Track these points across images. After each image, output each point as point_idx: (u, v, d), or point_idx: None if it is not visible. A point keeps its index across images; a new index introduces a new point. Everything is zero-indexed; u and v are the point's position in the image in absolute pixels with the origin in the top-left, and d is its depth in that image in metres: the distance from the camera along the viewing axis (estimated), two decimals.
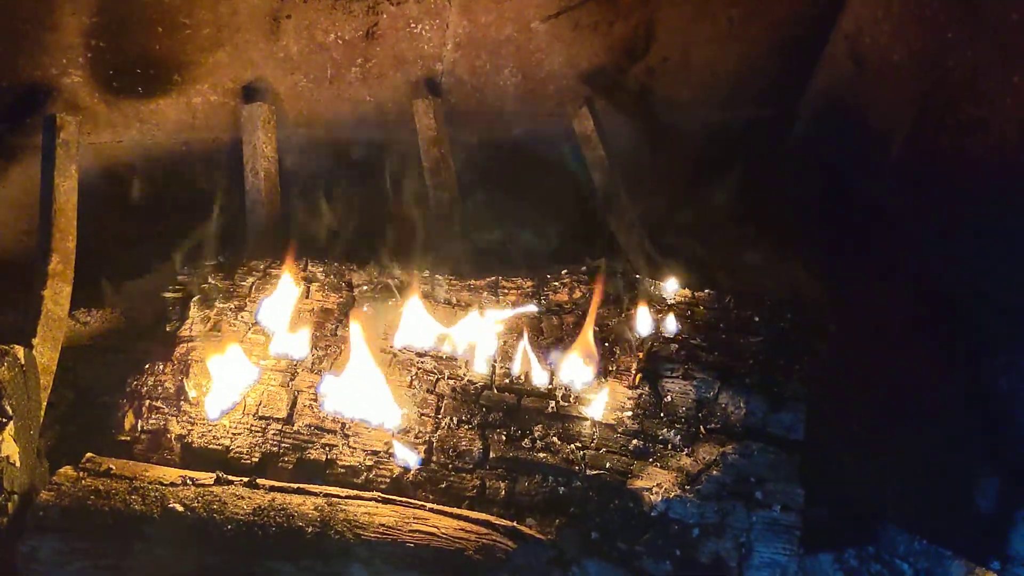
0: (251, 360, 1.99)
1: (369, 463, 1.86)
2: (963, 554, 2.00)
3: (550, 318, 2.11)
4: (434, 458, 1.87)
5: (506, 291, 2.16)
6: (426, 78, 2.55)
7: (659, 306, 2.13)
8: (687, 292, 2.19)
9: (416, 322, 2.05)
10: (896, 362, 2.48)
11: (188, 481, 1.72)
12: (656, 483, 1.83)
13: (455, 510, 1.74)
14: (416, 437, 1.90)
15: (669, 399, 1.96)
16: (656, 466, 1.86)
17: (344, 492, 1.73)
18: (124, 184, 2.52)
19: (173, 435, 1.89)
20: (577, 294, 2.15)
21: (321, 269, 2.18)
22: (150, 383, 1.96)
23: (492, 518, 1.73)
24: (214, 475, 1.73)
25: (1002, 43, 2.16)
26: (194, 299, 2.08)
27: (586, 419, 1.92)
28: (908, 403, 2.40)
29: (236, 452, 1.87)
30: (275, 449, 1.88)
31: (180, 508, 1.65)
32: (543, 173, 2.80)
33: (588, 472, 1.84)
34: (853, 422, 2.37)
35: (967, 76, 2.28)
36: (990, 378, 2.34)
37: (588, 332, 1.99)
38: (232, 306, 2.08)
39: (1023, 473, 2.23)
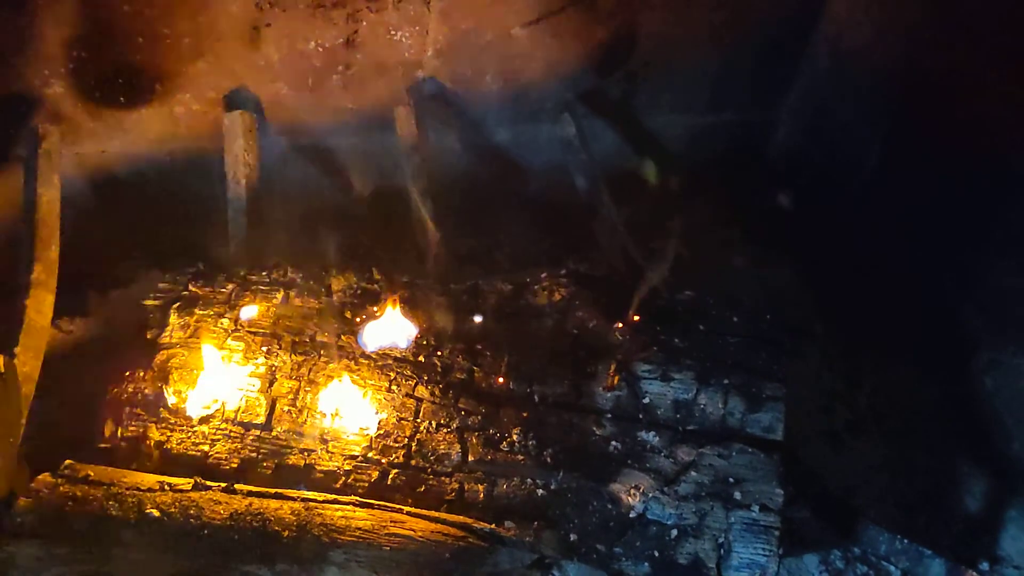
0: (230, 366, 2.00)
1: (347, 468, 1.86)
2: (946, 553, 2.00)
3: (528, 322, 2.11)
4: (413, 461, 1.87)
5: (486, 295, 2.16)
6: (407, 85, 2.56)
7: (638, 308, 2.13)
8: (666, 294, 2.20)
9: (395, 327, 2.06)
10: (880, 361, 2.48)
11: (166, 487, 1.73)
12: (634, 485, 1.83)
13: (433, 513, 1.75)
14: (395, 441, 1.90)
15: (647, 400, 1.96)
16: (634, 467, 1.86)
17: (321, 496, 1.74)
18: (107, 193, 2.53)
19: (152, 441, 1.89)
20: (556, 297, 2.15)
21: (300, 274, 2.19)
22: (130, 390, 1.97)
23: (470, 521, 1.74)
24: (192, 480, 1.74)
25: (978, 44, 2.17)
26: (174, 306, 2.08)
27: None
28: (892, 402, 2.40)
29: (215, 458, 1.87)
30: (254, 455, 1.88)
31: (157, 513, 1.66)
32: (526, 178, 2.81)
33: (566, 474, 1.84)
34: (838, 422, 2.37)
35: (945, 76, 2.30)
36: (975, 377, 2.35)
37: None
38: (212, 313, 2.09)
39: (1010, 473, 2.23)
